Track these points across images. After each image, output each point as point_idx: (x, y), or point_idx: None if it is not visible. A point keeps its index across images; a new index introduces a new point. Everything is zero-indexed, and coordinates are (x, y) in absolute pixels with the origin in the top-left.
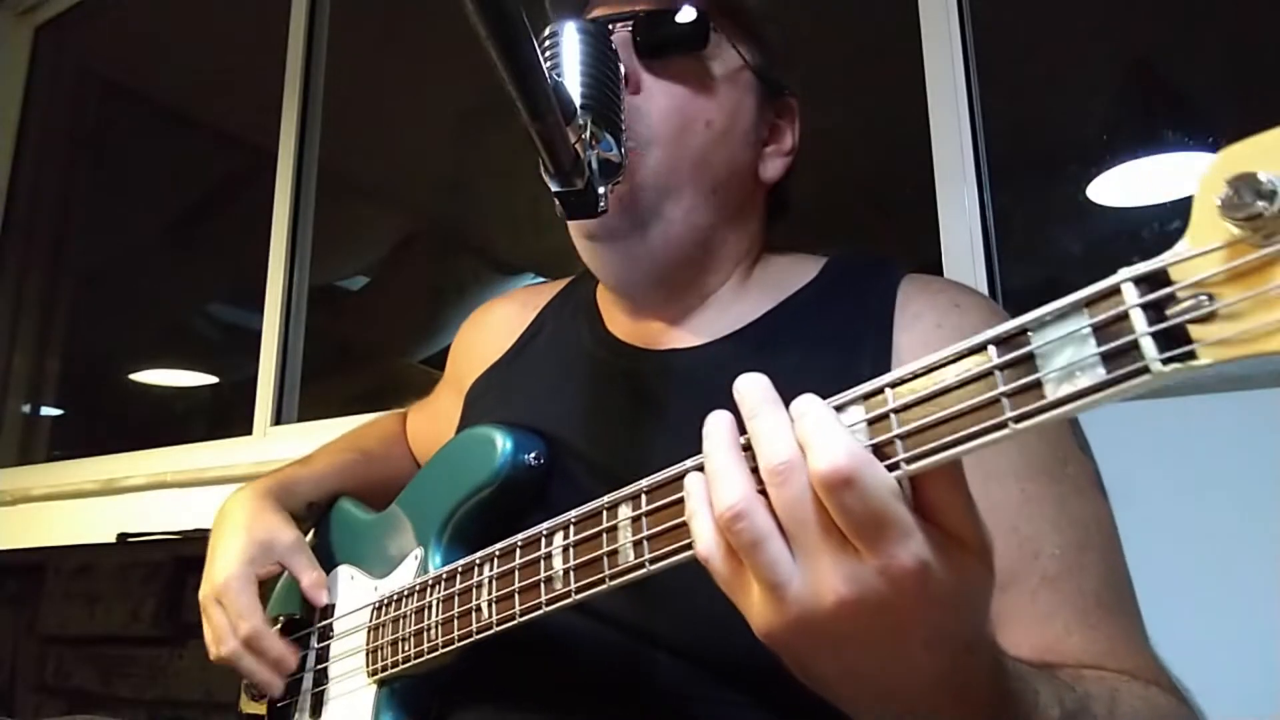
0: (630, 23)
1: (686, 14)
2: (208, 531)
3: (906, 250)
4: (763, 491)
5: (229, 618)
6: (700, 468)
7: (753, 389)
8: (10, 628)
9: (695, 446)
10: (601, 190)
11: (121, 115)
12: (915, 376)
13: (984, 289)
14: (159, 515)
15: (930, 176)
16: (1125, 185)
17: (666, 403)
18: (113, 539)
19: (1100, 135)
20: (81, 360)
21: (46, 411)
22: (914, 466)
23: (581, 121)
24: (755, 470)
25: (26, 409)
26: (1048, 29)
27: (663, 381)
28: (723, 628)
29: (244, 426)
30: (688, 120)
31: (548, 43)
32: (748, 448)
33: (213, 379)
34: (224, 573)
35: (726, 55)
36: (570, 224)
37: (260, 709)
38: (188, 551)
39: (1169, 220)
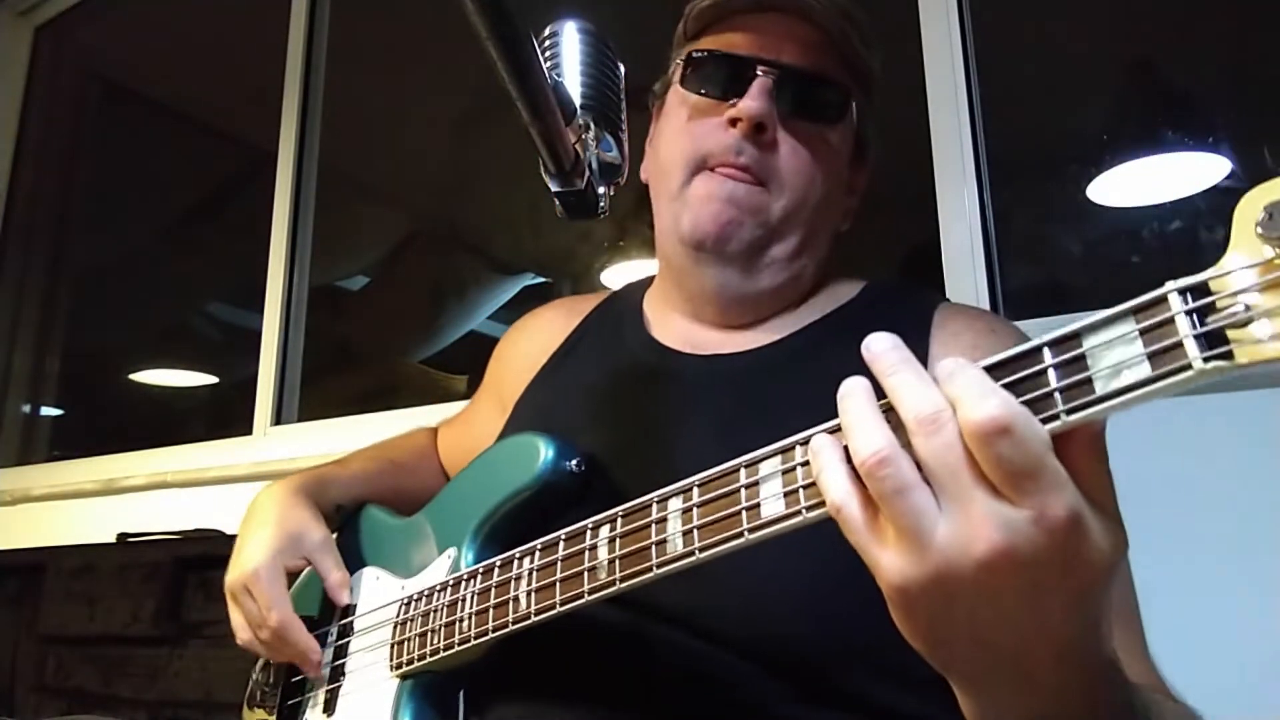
0: (777, 72)
1: (829, 83)
2: (208, 531)
3: (907, 250)
4: (905, 447)
5: (259, 607)
6: (784, 451)
7: (887, 347)
8: (10, 628)
9: (734, 446)
10: (601, 190)
11: (121, 115)
12: None
13: (984, 289)
14: (159, 515)
15: (930, 176)
16: (1125, 185)
17: (708, 404)
18: (113, 539)
19: (1100, 135)
20: (81, 360)
21: (46, 411)
22: (1073, 418)
23: (582, 121)
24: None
25: (26, 409)
26: (1048, 29)
27: (706, 384)
28: (763, 615)
29: (244, 426)
30: (809, 179)
31: (548, 43)
32: (887, 410)
33: (213, 379)
34: (253, 561)
35: (847, 123)
36: (680, 229)
37: (268, 717)
38: (188, 551)
39: (1169, 220)
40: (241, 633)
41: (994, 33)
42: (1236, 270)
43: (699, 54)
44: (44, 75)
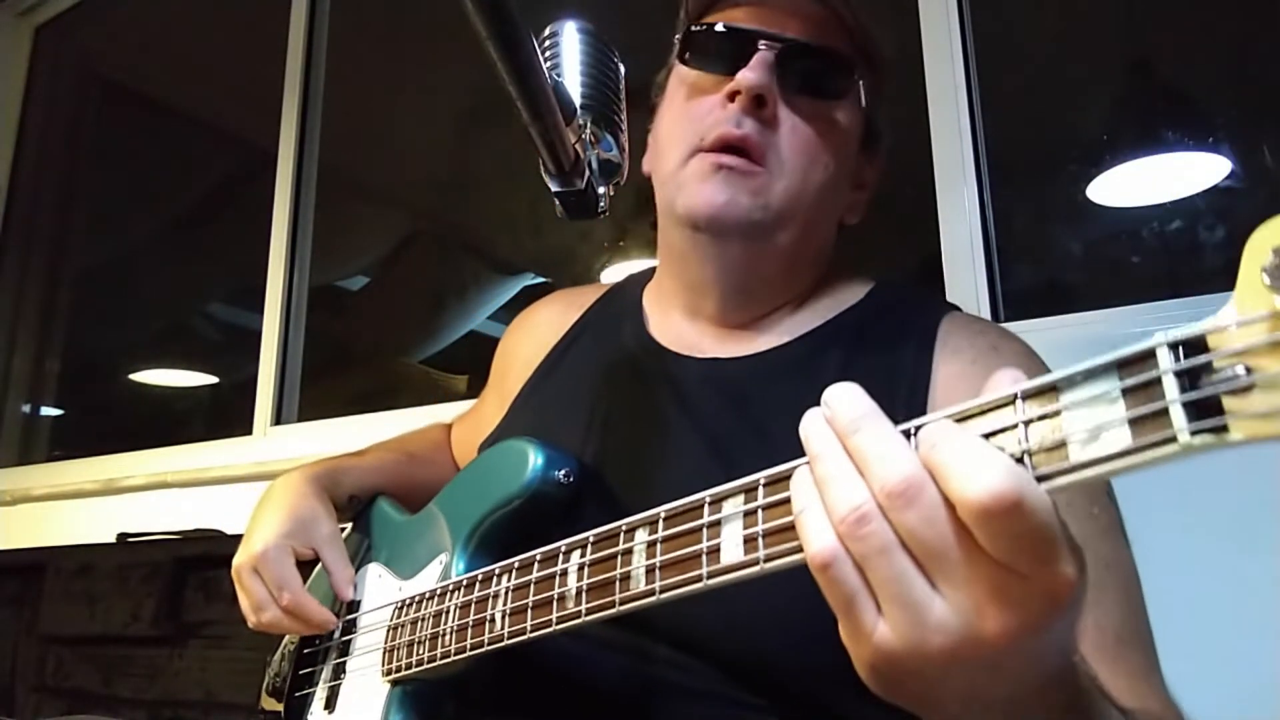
0: (780, 46)
1: (834, 58)
2: (208, 531)
3: (907, 250)
4: None
5: (268, 586)
6: (747, 490)
7: (850, 400)
8: (10, 628)
9: (727, 461)
10: (601, 190)
11: (121, 115)
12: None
13: (984, 289)
14: (159, 515)
15: (930, 176)
16: (1125, 185)
17: (703, 410)
18: (113, 539)
19: (1100, 135)
20: (81, 360)
21: (46, 411)
22: (1043, 486)
23: (581, 121)
24: None
25: (26, 409)
26: (1048, 29)
27: (702, 391)
28: (733, 631)
29: (244, 426)
30: (811, 160)
31: (548, 43)
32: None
33: (213, 379)
34: (262, 542)
35: (853, 103)
36: (675, 210)
37: (279, 706)
38: (188, 551)
39: (1169, 220)
40: (251, 616)
41: (994, 33)
42: (1239, 324)
43: (698, 29)
44: (44, 75)
